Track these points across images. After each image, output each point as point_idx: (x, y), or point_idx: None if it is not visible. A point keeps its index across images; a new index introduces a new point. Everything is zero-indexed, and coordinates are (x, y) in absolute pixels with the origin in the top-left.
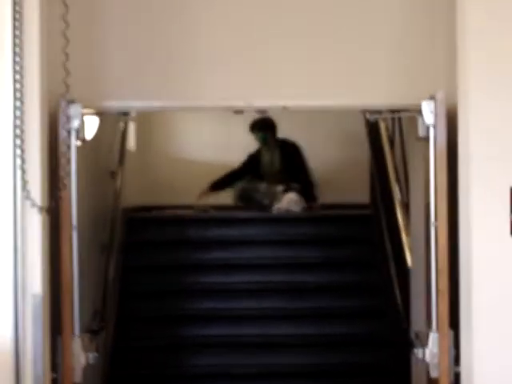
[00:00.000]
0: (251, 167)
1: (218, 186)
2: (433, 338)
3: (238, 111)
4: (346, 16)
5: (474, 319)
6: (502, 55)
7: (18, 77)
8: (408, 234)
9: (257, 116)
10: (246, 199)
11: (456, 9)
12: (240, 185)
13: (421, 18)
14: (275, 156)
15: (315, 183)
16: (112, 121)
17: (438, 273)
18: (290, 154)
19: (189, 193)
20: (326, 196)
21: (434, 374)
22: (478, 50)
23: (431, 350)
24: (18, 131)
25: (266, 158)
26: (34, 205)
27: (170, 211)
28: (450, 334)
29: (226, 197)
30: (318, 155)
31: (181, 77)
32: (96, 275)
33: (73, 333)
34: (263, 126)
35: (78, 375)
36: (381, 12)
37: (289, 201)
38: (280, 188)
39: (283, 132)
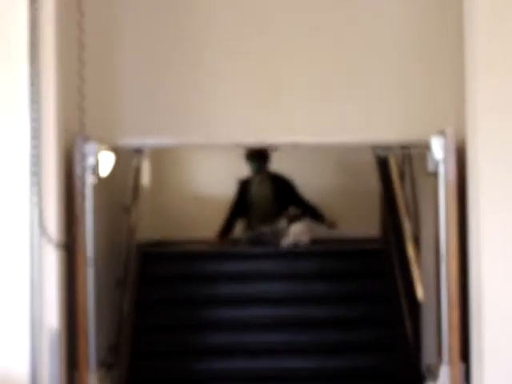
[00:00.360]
0: (241, 195)
1: (225, 231)
2: (444, 371)
3: (250, 148)
4: (357, 54)
5: (485, 352)
6: (510, 90)
7: (34, 115)
8: (419, 268)
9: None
10: (254, 243)
11: (464, 46)
12: (246, 234)
13: (430, 55)
14: (267, 187)
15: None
16: (126, 157)
17: (449, 306)
18: (285, 187)
19: (202, 227)
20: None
21: None
22: (486, 86)
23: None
24: (34, 168)
25: (257, 187)
26: (50, 241)
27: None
28: (461, 367)
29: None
30: (328, 188)
31: (194, 114)
32: (111, 310)
33: (88, 368)
34: (259, 155)
35: None
36: (390, 50)
37: (295, 233)
38: (283, 223)
39: (292, 165)
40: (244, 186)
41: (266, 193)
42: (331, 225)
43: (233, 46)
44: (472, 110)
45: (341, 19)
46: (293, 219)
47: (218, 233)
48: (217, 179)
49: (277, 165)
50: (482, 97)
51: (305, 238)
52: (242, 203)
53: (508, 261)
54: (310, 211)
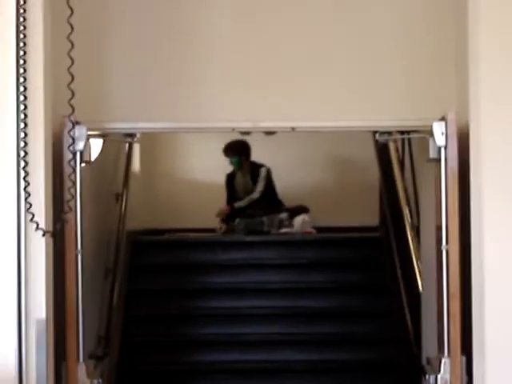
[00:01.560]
0: (229, 189)
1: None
2: (445, 363)
3: (245, 132)
4: (357, 37)
5: (486, 344)
6: None
7: (22, 98)
8: (419, 258)
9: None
10: (250, 231)
11: (467, 30)
12: (243, 221)
13: (432, 39)
14: (248, 181)
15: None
16: (117, 143)
17: (450, 297)
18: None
19: (194, 215)
20: (334, 218)
21: None
22: (489, 70)
23: (443, 376)
24: (22, 153)
25: (239, 181)
26: (38, 228)
27: (182, 234)
28: (462, 359)
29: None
30: (326, 176)
31: (187, 98)
32: (100, 300)
33: (77, 359)
34: (236, 149)
35: None
36: (391, 34)
37: (302, 223)
38: (284, 215)
39: (290, 152)
40: (230, 180)
41: (249, 187)
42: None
43: (226, 29)
44: (475, 95)
45: (340, 2)
46: (296, 211)
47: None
48: (210, 165)
49: (274, 152)
50: (484, 82)
51: (310, 228)
52: (233, 195)
53: (510, 250)
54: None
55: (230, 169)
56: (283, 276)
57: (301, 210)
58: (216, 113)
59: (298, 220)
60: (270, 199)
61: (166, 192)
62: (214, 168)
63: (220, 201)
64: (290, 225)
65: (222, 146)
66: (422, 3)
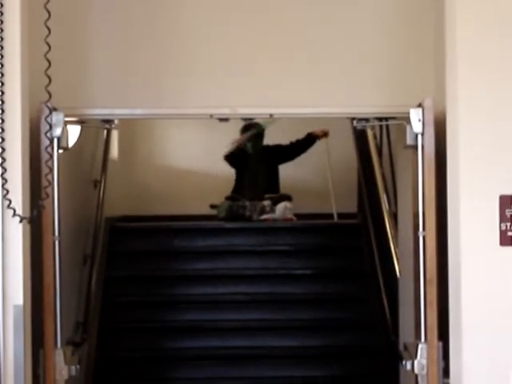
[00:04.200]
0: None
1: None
2: (421, 349)
3: (224, 119)
4: (334, 25)
5: (463, 330)
6: (491, 63)
7: None
8: (396, 244)
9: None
10: (231, 216)
11: (445, 18)
12: (226, 204)
13: (409, 26)
14: (263, 164)
15: None
16: (95, 129)
17: (427, 283)
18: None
19: (173, 202)
20: (311, 205)
21: None
22: (466, 57)
23: (420, 362)
24: None
25: (253, 164)
26: (15, 214)
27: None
28: (439, 345)
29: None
30: (304, 163)
31: (165, 84)
32: (78, 286)
33: (55, 345)
34: (258, 134)
35: None
36: (369, 21)
37: (284, 209)
38: (268, 202)
39: (269, 138)
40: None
41: (262, 172)
42: (323, 135)
43: (207, 16)
44: (452, 82)
45: None
46: (279, 200)
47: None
48: (189, 152)
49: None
50: (461, 69)
51: (290, 215)
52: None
53: (487, 237)
54: (300, 146)
55: (208, 156)
56: (262, 262)
57: (284, 197)
58: (194, 99)
59: (280, 206)
60: (273, 180)
61: (144, 179)
62: (193, 155)
63: (199, 188)
64: (272, 211)
65: (202, 132)
66: None
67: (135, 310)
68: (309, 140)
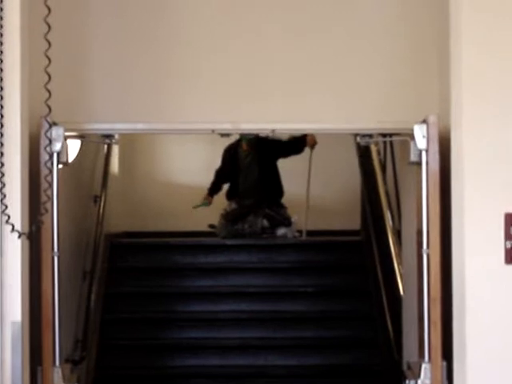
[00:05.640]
0: (231, 162)
1: (214, 190)
2: (425, 368)
3: (225, 134)
4: (338, 40)
5: (467, 350)
6: (496, 79)
7: None
8: (400, 262)
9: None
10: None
11: (450, 33)
12: (224, 227)
13: (413, 42)
14: (255, 161)
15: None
16: (95, 144)
17: (431, 302)
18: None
19: (173, 218)
20: (315, 222)
21: None
22: (471, 73)
23: (423, 382)
24: None
25: (245, 158)
26: (13, 230)
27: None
28: (442, 365)
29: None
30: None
31: (166, 99)
32: (78, 303)
33: (53, 363)
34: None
35: None
36: (372, 36)
37: (284, 236)
38: (265, 222)
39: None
40: (233, 153)
41: (253, 172)
42: (312, 145)
43: (206, 31)
44: (456, 98)
45: (322, 8)
46: (278, 223)
47: (208, 192)
48: (190, 167)
49: None
50: (466, 85)
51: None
52: (230, 170)
53: (491, 255)
54: (293, 149)
55: (208, 171)
56: (264, 280)
57: (283, 222)
58: (196, 114)
59: (280, 234)
60: (273, 184)
61: (145, 194)
62: (194, 170)
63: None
64: (272, 233)
65: (203, 147)
66: (403, 7)
67: (135, 327)
68: (302, 143)
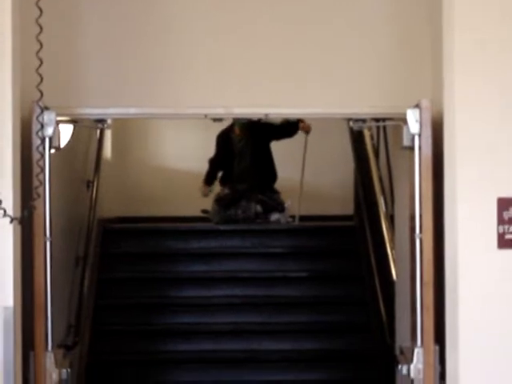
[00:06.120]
0: (224, 148)
1: (209, 179)
2: (418, 353)
3: (217, 119)
4: (332, 25)
5: (459, 334)
6: (488, 64)
7: None
8: (393, 247)
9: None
10: (224, 221)
11: (442, 18)
12: (217, 212)
13: (406, 26)
14: (248, 145)
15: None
16: (88, 129)
17: (423, 286)
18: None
19: (167, 203)
20: (308, 207)
21: None
22: (463, 58)
23: (416, 366)
24: None
25: (238, 144)
26: (5, 215)
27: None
28: (435, 349)
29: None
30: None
31: (158, 84)
32: (70, 288)
33: (46, 348)
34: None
35: None
36: (366, 22)
37: (277, 221)
38: (258, 207)
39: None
40: (226, 138)
41: (246, 155)
42: (306, 130)
43: (199, 15)
44: (449, 83)
45: None
46: (271, 209)
47: (204, 181)
48: (183, 152)
49: None
50: (458, 70)
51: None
52: (224, 156)
53: (484, 239)
54: (286, 132)
55: (202, 156)
56: (257, 265)
57: (276, 207)
58: (188, 99)
59: (273, 219)
60: (266, 169)
61: (138, 179)
62: (188, 155)
63: (194, 189)
64: (266, 218)
65: (196, 132)
66: None
67: (128, 312)
68: (294, 126)
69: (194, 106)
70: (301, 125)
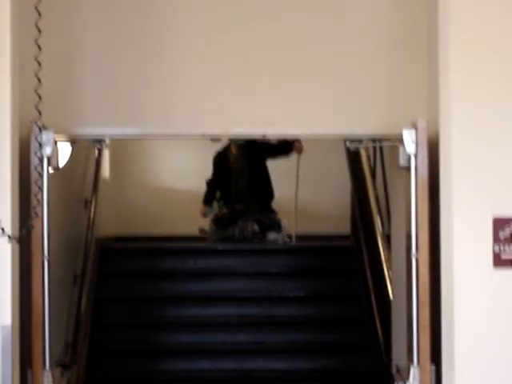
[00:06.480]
0: (221, 168)
1: (208, 199)
2: (414, 372)
3: (216, 139)
4: (328, 44)
5: (456, 353)
6: (484, 84)
7: None
8: (389, 266)
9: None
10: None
11: (438, 38)
12: (215, 232)
13: (402, 47)
14: (244, 159)
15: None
16: (86, 148)
17: (420, 306)
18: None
19: (164, 222)
20: (305, 227)
21: None
22: (459, 78)
23: None
24: None
25: (235, 160)
26: (3, 233)
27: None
28: (431, 368)
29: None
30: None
31: (156, 104)
32: (68, 307)
33: (43, 366)
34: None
35: None
36: (363, 41)
37: (274, 240)
38: (255, 227)
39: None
40: (221, 160)
41: (244, 174)
42: (298, 151)
43: (196, 35)
44: (445, 104)
45: (312, 13)
46: (268, 227)
47: (203, 202)
48: (181, 171)
49: None
50: (455, 91)
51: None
52: (221, 176)
53: (479, 259)
54: (282, 150)
55: (199, 176)
56: (254, 284)
57: (273, 226)
58: (186, 119)
59: (270, 238)
60: (263, 187)
61: (136, 198)
62: (186, 174)
63: (191, 208)
64: (263, 237)
65: (194, 152)
66: (391, 8)
67: (125, 331)
68: (289, 146)
69: (192, 126)
70: (296, 145)
